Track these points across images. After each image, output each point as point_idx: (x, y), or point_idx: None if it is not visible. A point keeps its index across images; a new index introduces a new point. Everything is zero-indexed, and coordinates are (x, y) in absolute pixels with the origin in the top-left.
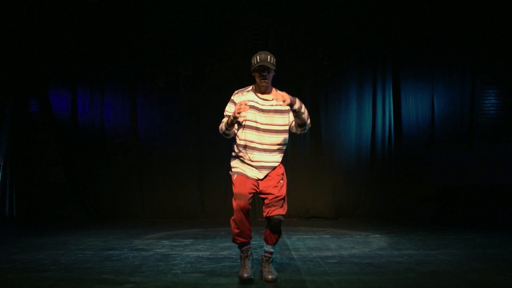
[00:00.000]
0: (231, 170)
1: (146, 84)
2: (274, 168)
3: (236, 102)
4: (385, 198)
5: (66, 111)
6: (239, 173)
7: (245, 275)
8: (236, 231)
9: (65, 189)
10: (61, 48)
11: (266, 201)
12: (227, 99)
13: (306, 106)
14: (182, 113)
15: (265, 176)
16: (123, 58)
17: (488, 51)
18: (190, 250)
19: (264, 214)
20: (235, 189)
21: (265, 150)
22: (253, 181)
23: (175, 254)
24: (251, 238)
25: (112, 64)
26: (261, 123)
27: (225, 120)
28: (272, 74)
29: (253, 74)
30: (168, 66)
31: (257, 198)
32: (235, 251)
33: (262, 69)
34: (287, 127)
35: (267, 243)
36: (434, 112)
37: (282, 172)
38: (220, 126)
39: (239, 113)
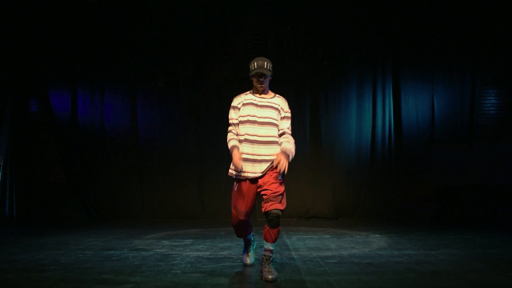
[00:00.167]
0: (232, 174)
1: (146, 84)
2: (273, 160)
3: (235, 106)
4: (385, 198)
5: (66, 111)
6: (239, 180)
7: (248, 261)
8: (237, 233)
9: (65, 189)
10: (61, 48)
11: (264, 197)
12: (227, 99)
13: (306, 106)
14: (182, 113)
15: (265, 173)
16: (123, 58)
17: (488, 51)
18: (190, 250)
19: (263, 209)
20: (235, 200)
21: (264, 142)
22: (252, 190)
23: (175, 254)
24: (252, 230)
25: (112, 64)
26: (259, 116)
27: (230, 135)
28: (268, 79)
29: (251, 78)
30: (168, 66)
31: (257, 198)
32: (235, 251)
33: (260, 75)
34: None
35: (267, 241)
36: (434, 112)
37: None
38: (227, 139)
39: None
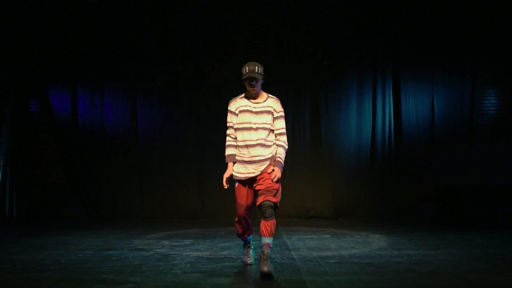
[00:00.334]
0: (234, 175)
1: (146, 84)
2: (269, 161)
3: (232, 111)
4: (385, 198)
5: (66, 111)
6: (239, 181)
7: (249, 261)
8: (239, 231)
9: (65, 189)
10: (61, 48)
11: (259, 192)
12: (227, 99)
13: (306, 106)
14: (182, 113)
15: (263, 172)
16: (123, 58)
17: (488, 51)
18: (190, 250)
19: (257, 203)
20: (236, 196)
21: (259, 145)
22: (251, 187)
23: (175, 254)
24: (252, 232)
25: (112, 64)
26: (254, 122)
27: (228, 141)
28: (260, 82)
29: (243, 82)
30: (168, 66)
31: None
32: (235, 251)
33: (251, 79)
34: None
35: (263, 235)
36: (434, 112)
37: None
38: (225, 144)
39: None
